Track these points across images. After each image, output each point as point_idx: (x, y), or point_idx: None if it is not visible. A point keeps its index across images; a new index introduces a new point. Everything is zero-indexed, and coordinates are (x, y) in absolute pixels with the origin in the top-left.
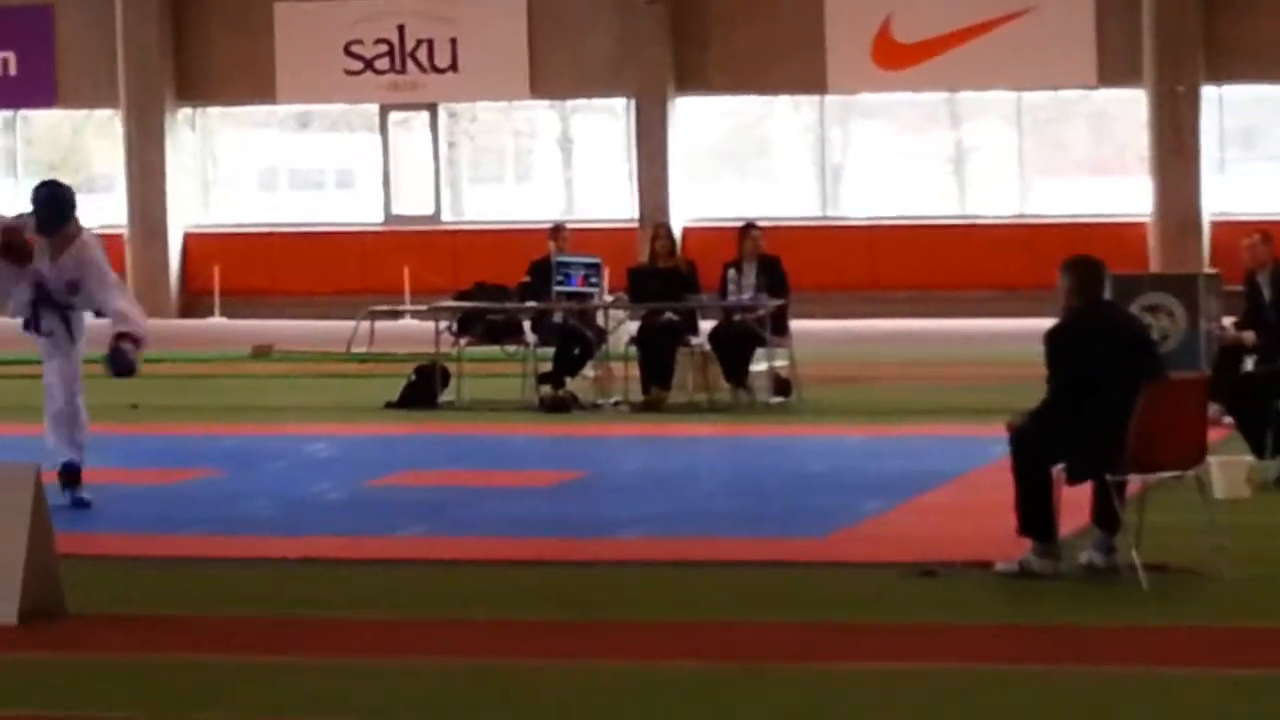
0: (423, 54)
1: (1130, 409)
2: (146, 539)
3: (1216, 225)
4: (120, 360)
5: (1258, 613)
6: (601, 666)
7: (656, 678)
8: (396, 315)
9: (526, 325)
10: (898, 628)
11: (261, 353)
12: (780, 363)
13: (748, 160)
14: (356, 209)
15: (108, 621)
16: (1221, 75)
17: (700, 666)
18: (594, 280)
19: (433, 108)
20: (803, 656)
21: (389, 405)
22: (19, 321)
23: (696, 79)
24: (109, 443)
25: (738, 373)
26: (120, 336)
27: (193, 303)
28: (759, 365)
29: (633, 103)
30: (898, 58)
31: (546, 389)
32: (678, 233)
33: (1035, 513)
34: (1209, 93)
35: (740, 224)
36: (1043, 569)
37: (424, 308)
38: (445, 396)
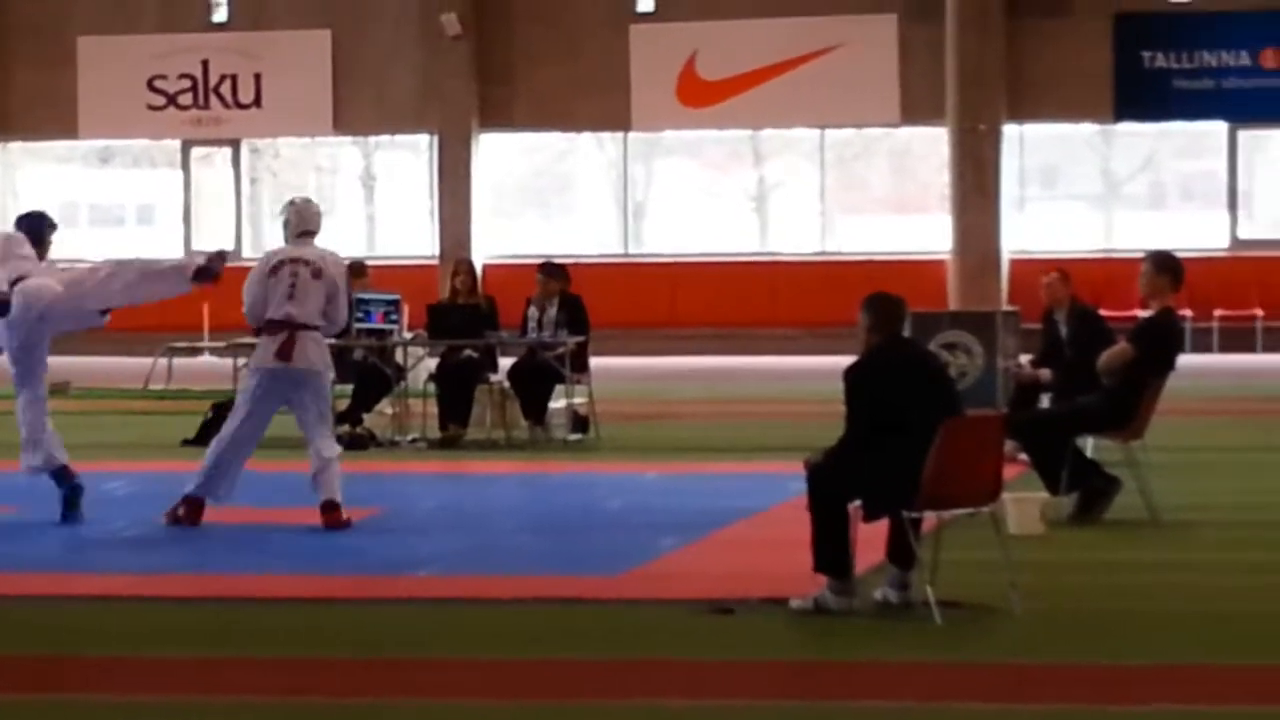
0: (226, 89)
1: (927, 446)
2: None
3: (1016, 263)
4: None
5: (1050, 649)
6: (396, 704)
7: (451, 716)
8: (195, 352)
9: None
10: (693, 665)
11: (58, 389)
12: (579, 400)
13: (551, 197)
14: (156, 245)
15: None
16: (1023, 114)
17: (496, 704)
18: (393, 317)
19: (235, 144)
20: (598, 694)
21: (186, 442)
22: None
23: (500, 115)
24: None
25: (536, 410)
26: None
27: None
28: (557, 402)
29: (436, 139)
30: (702, 95)
31: (345, 427)
32: (479, 269)
33: (831, 549)
34: (1010, 131)
35: (541, 261)
36: (838, 606)
37: (222, 344)
38: None
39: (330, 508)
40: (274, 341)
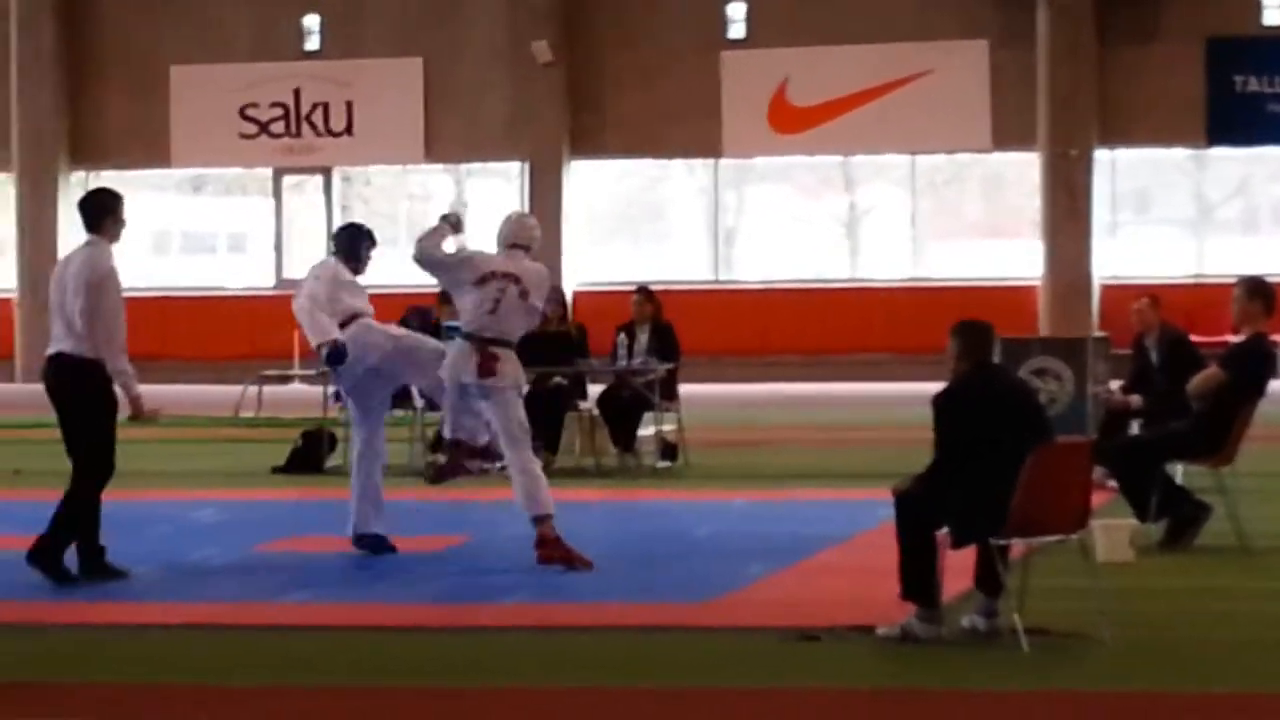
0: (318, 117)
1: (1015, 473)
2: (22, 605)
3: (1106, 288)
4: None
5: (1140, 677)
6: None
7: None
8: (286, 380)
9: (415, 389)
10: (779, 692)
11: (149, 418)
12: (668, 427)
13: (642, 224)
14: (248, 273)
15: None
16: (1114, 138)
17: None
18: None
19: (327, 171)
20: None
21: (275, 470)
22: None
23: (591, 142)
24: None
25: (625, 437)
26: None
27: None
28: (647, 429)
29: (527, 166)
30: (793, 121)
31: (438, 456)
32: (570, 296)
33: (918, 577)
34: (1102, 156)
35: (634, 288)
36: (925, 634)
37: (313, 372)
38: (332, 461)
39: (536, 521)
40: (472, 354)
